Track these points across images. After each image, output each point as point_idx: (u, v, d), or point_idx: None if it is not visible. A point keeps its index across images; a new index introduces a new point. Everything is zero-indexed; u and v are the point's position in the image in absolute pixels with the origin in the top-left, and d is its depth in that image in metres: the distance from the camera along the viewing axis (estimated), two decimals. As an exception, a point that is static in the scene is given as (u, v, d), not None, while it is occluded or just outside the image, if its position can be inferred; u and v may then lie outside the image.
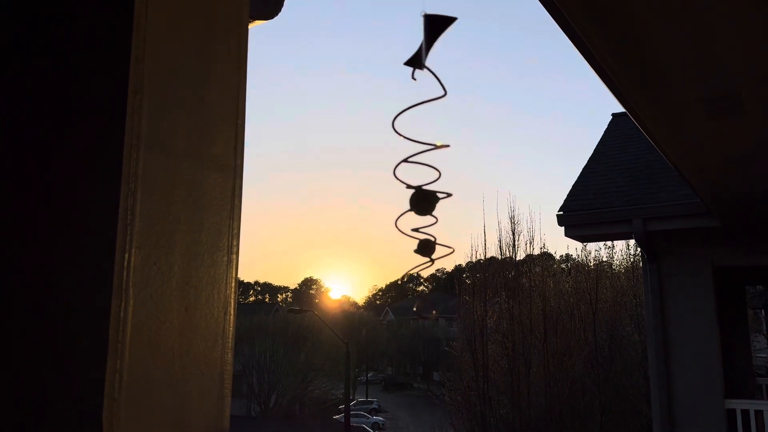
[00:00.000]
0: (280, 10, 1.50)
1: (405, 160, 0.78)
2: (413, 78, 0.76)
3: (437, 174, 0.79)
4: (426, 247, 0.79)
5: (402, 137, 0.78)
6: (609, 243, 19.79)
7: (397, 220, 0.78)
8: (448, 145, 0.77)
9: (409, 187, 0.78)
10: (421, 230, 0.78)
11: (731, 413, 6.70)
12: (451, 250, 0.80)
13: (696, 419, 6.85)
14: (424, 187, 0.79)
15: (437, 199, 0.77)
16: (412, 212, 0.79)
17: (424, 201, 0.77)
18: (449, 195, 0.78)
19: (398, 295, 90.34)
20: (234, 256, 0.82)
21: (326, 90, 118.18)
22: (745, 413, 6.64)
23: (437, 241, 0.79)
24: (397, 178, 0.79)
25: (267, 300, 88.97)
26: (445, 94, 0.75)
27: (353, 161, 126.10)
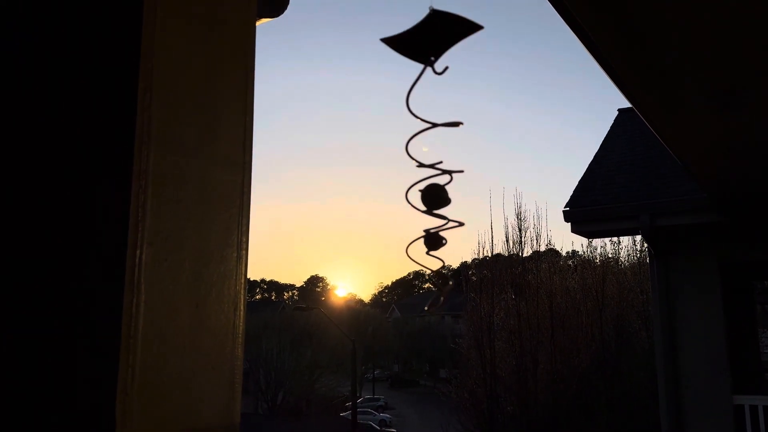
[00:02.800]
0: (286, 8, 1.51)
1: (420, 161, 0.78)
2: (434, 70, 0.76)
3: (449, 178, 0.79)
4: (433, 241, 0.79)
5: (416, 162, 0.78)
6: (615, 239, 19.73)
7: (409, 189, 0.78)
8: (461, 123, 0.77)
9: (420, 187, 0.78)
10: (433, 230, 0.79)
11: (739, 409, 6.68)
12: (459, 222, 0.80)
13: (704, 415, 6.83)
14: (435, 183, 0.79)
15: (447, 197, 0.78)
16: (423, 207, 0.79)
17: (435, 196, 0.77)
18: (461, 224, 0.79)
19: (404, 292, 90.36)
20: (243, 252, 0.83)
21: (333, 86, 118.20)
22: (754, 409, 6.62)
23: (445, 222, 0.78)
24: (408, 199, 0.79)
25: (273, 298, 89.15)
26: (461, 123, 0.76)
27: (360, 158, 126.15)
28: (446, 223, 0.78)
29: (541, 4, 2.62)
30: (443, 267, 0.81)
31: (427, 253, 0.79)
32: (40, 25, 0.76)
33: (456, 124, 0.76)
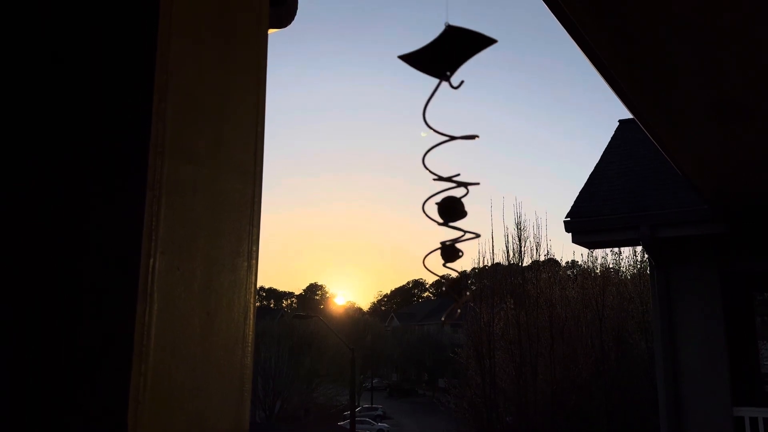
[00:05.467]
0: (293, 19, 1.52)
1: (426, 162, 0.79)
2: (452, 85, 0.77)
3: (465, 191, 0.80)
4: (450, 253, 0.80)
5: (434, 175, 0.79)
6: (616, 249, 19.73)
7: (425, 201, 0.79)
8: (477, 136, 0.77)
9: (437, 198, 0.79)
10: (449, 242, 0.79)
11: (739, 421, 6.66)
12: (475, 234, 0.81)
13: (704, 427, 6.81)
14: (451, 196, 0.79)
15: (463, 209, 0.78)
16: (439, 219, 0.80)
17: (451, 209, 0.78)
18: (477, 236, 0.80)
19: (403, 301, 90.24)
20: (253, 261, 0.83)
21: (333, 94, 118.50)
22: (754, 421, 6.60)
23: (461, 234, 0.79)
24: (430, 170, 0.79)
25: (272, 305, 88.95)
26: (478, 136, 0.77)
27: (360, 166, 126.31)
28: (462, 235, 0.79)
29: (544, 14, 2.64)
30: (460, 278, 0.81)
31: (444, 264, 0.80)
32: (57, 36, 0.77)
33: (473, 137, 0.77)
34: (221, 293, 0.78)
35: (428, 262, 0.80)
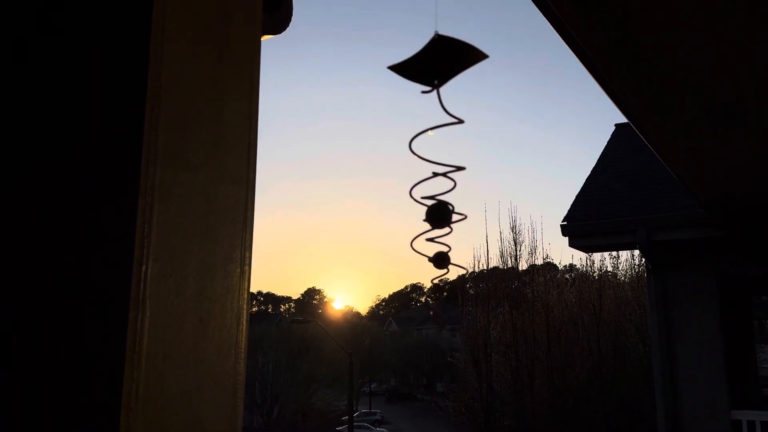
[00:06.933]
0: (288, 25, 1.52)
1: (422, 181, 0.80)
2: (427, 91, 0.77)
3: (452, 184, 0.80)
4: (441, 259, 0.80)
5: (419, 157, 0.79)
6: (613, 253, 19.75)
7: (413, 187, 0.79)
8: (464, 168, 0.78)
9: (427, 203, 0.79)
10: (436, 240, 0.80)
11: (737, 424, 6.66)
12: (465, 270, 0.82)
13: (702, 430, 6.81)
14: (440, 200, 0.80)
15: (451, 213, 0.79)
16: (428, 224, 0.80)
17: (439, 213, 0.79)
18: (464, 217, 0.80)
19: (401, 305, 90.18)
20: (247, 267, 0.84)
21: (330, 97, 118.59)
22: (751, 424, 6.60)
23: (452, 262, 0.80)
24: (413, 197, 0.80)
25: (270, 310, 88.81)
26: (463, 121, 0.77)
27: (356, 170, 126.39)
28: (446, 248, 0.79)
29: (539, 20, 2.65)
30: (443, 281, 0.82)
31: (433, 281, 0.80)
32: (51, 43, 0.78)
33: (459, 122, 0.77)
34: (214, 299, 0.78)
35: (417, 245, 0.80)
